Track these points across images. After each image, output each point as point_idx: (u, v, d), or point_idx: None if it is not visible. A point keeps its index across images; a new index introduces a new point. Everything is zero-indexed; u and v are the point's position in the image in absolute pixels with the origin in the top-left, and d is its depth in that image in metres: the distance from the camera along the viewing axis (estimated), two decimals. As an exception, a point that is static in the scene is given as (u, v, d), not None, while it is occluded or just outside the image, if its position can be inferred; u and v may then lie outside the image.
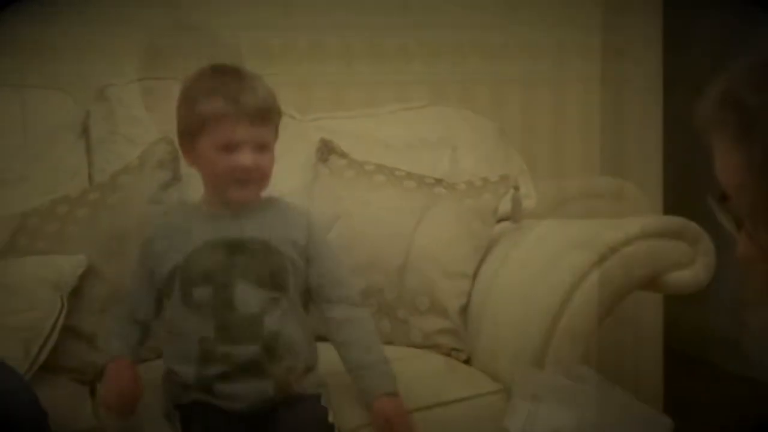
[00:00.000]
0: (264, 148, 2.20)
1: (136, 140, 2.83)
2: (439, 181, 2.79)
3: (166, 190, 2.64)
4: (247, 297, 2.19)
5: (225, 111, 2.16)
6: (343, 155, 2.89)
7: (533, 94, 3.37)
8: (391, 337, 2.61)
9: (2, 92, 2.88)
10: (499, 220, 2.82)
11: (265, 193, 2.27)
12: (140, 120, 2.89)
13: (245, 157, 2.16)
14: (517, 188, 2.80)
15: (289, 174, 2.89)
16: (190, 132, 2.20)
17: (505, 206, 2.80)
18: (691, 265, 2.51)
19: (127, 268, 2.38)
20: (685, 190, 4.38)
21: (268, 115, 2.21)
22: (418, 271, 2.65)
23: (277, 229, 2.25)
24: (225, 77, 2.21)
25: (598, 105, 3.40)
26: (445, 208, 2.73)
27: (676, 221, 2.51)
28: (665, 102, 3.45)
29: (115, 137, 2.89)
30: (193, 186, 2.41)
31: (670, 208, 3.28)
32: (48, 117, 2.87)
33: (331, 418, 2.21)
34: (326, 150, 2.89)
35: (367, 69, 3.25)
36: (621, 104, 3.41)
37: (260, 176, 2.21)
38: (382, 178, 2.80)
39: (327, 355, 2.30)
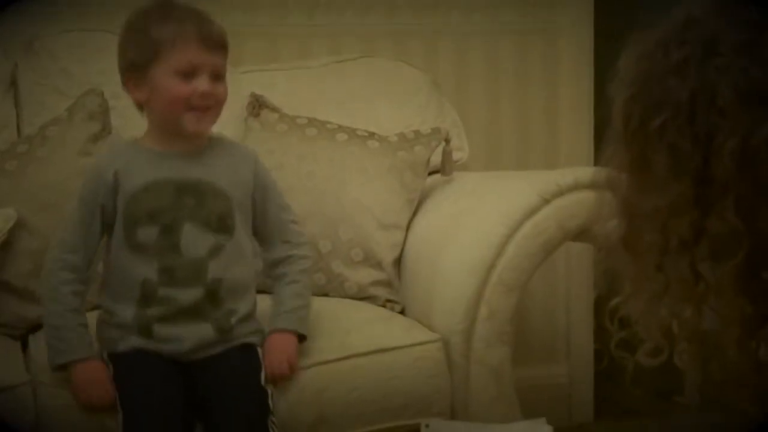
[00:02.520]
0: (219, 77, 2.20)
1: (65, 92, 2.79)
2: (371, 134, 2.79)
3: (95, 143, 2.61)
4: (194, 240, 2.18)
5: (184, 35, 2.15)
6: (274, 109, 2.87)
7: (466, 46, 3.36)
8: (327, 290, 2.62)
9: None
10: (432, 172, 2.83)
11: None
12: (69, 72, 2.85)
13: (204, 83, 2.16)
14: (448, 140, 2.80)
15: (220, 127, 2.87)
16: (142, 62, 2.18)
17: (437, 158, 2.81)
18: (623, 217, 2.53)
19: (58, 221, 2.35)
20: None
21: (223, 44, 2.21)
22: (352, 223, 2.66)
23: (225, 170, 2.26)
24: (176, 8, 2.20)
25: (531, 55, 3.41)
26: (377, 161, 2.73)
27: (606, 173, 2.52)
28: (597, 51, 3.46)
29: (44, 89, 2.85)
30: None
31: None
32: (-26, 70, 2.83)
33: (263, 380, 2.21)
34: (257, 104, 2.87)
35: (299, 20, 3.22)
36: (555, 54, 3.41)
37: (216, 105, 2.20)
38: (314, 132, 2.79)
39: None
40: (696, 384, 1.25)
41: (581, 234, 2.53)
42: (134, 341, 2.18)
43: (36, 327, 2.44)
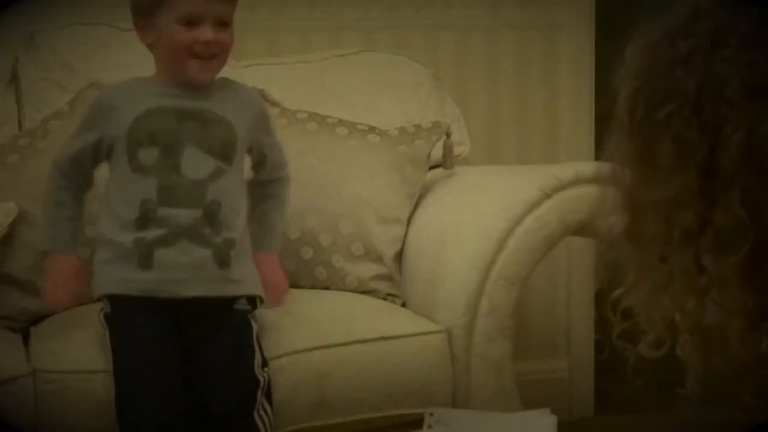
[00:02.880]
0: (224, 24, 2.22)
1: (66, 87, 2.80)
2: (372, 128, 2.79)
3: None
4: (195, 162, 2.21)
5: None
6: (275, 104, 2.87)
7: (467, 40, 3.36)
8: (328, 284, 2.63)
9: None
10: (433, 167, 2.83)
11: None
12: (71, 66, 2.85)
13: (207, 32, 2.18)
14: (449, 135, 2.80)
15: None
16: (147, 7, 2.20)
17: (438, 153, 2.81)
18: (624, 211, 2.53)
19: None
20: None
21: None
22: (352, 217, 2.66)
23: (230, 105, 2.29)
24: None
25: (532, 50, 3.41)
26: (378, 155, 2.73)
27: (609, 167, 2.52)
28: (598, 46, 3.46)
29: (45, 84, 2.85)
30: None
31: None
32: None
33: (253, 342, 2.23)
34: (258, 99, 2.88)
35: (300, 14, 3.23)
36: (556, 49, 3.41)
37: (220, 52, 2.22)
38: (314, 126, 2.79)
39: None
40: (698, 376, 1.24)
41: (582, 228, 2.54)
42: (135, 278, 2.19)
43: (37, 319, 2.45)
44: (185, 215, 2.19)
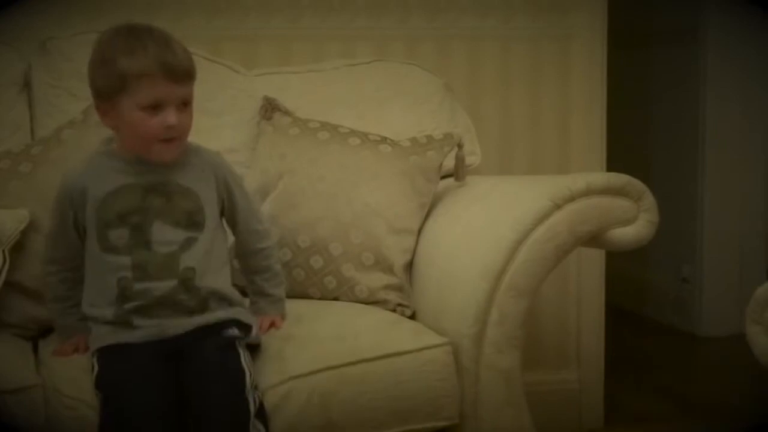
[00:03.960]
0: (186, 105, 2.22)
1: (78, 94, 2.79)
2: (384, 139, 2.79)
3: (109, 145, 2.61)
4: (164, 236, 2.23)
5: (149, 70, 2.15)
6: (286, 113, 2.88)
7: (479, 50, 3.36)
8: (337, 293, 2.63)
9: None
10: (444, 177, 2.83)
11: None
12: (82, 74, 2.84)
13: (171, 117, 2.18)
14: (461, 146, 2.80)
15: (234, 130, 2.89)
16: (109, 92, 2.19)
17: (449, 163, 2.81)
18: (634, 222, 2.53)
19: None
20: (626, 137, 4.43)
21: (190, 73, 2.22)
22: (363, 227, 2.66)
23: (192, 171, 2.29)
24: (141, 37, 2.19)
25: (544, 60, 3.41)
26: (389, 165, 2.73)
27: (620, 178, 2.52)
28: (610, 56, 3.46)
29: (58, 91, 2.86)
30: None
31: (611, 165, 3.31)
32: (-11, 70, 2.84)
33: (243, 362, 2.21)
34: (270, 108, 2.88)
35: (312, 24, 3.23)
36: (567, 59, 3.41)
37: (183, 134, 2.23)
38: (326, 136, 2.79)
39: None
40: None
41: (593, 239, 2.53)
42: (117, 336, 2.21)
43: (47, 329, 2.45)
44: (160, 287, 2.22)
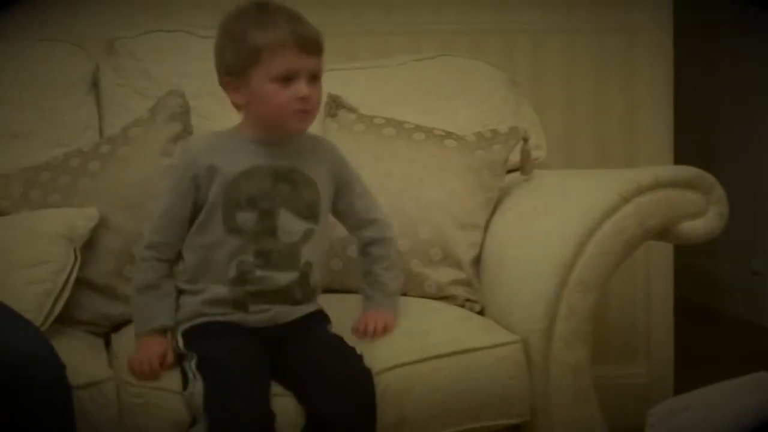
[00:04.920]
0: (316, 78, 2.23)
1: (145, 93, 2.83)
2: (449, 134, 2.79)
3: (176, 143, 2.64)
4: (289, 225, 2.24)
5: (282, 41, 2.17)
6: (351, 110, 2.88)
7: (544, 44, 3.35)
8: (406, 289, 2.62)
9: (13, 46, 2.87)
10: (510, 171, 2.82)
11: None
12: (150, 73, 2.89)
13: (303, 87, 2.19)
14: (526, 139, 2.79)
15: (299, 126, 2.89)
16: (241, 67, 2.20)
17: (515, 157, 2.80)
18: (704, 215, 2.51)
19: (140, 220, 2.44)
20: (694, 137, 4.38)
21: (319, 45, 2.24)
22: (430, 222, 2.66)
23: (312, 160, 2.31)
24: (270, 10, 2.22)
25: (610, 53, 3.39)
26: (455, 160, 2.73)
27: (689, 171, 2.51)
28: (677, 48, 3.44)
29: (125, 90, 2.89)
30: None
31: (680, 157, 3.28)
32: (59, 70, 2.86)
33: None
34: (334, 105, 2.89)
35: (377, 19, 3.24)
36: (633, 52, 3.39)
37: (314, 107, 2.24)
38: (391, 131, 2.80)
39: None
40: None
41: (662, 232, 2.52)
42: (225, 313, 2.22)
43: (119, 325, 2.48)
44: (283, 278, 2.24)
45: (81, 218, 2.48)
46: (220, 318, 2.22)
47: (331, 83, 2.94)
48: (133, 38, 2.93)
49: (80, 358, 2.23)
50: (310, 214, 2.27)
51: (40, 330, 2.17)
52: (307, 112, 2.22)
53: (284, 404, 2.16)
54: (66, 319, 2.42)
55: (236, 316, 2.22)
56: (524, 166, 2.81)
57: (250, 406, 2.08)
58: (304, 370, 2.18)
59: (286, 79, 2.17)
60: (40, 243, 2.41)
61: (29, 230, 2.45)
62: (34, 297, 2.32)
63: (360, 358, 2.22)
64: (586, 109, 3.40)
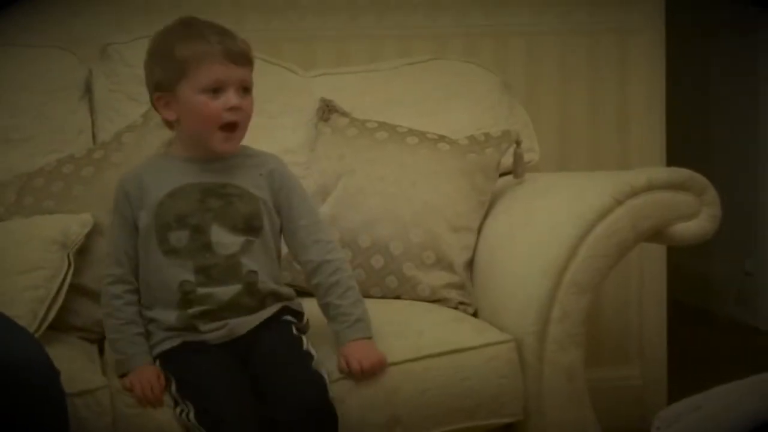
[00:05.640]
0: (247, 90, 2.23)
1: (138, 99, 2.82)
2: (441, 137, 2.79)
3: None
4: (224, 240, 2.23)
5: (208, 52, 2.19)
6: (344, 114, 2.88)
7: (537, 46, 3.35)
8: (399, 292, 2.63)
9: (6, 52, 2.87)
10: (503, 174, 2.82)
11: None
12: (142, 78, 2.87)
13: (232, 98, 2.19)
14: (519, 142, 2.79)
15: (292, 131, 2.90)
16: (170, 81, 2.22)
17: (508, 160, 2.80)
18: (697, 217, 2.51)
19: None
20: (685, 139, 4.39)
21: (248, 57, 2.25)
22: (423, 226, 2.66)
23: (250, 173, 2.29)
24: (196, 25, 2.24)
25: (603, 56, 3.39)
26: (448, 164, 2.73)
27: (682, 173, 2.51)
28: (669, 51, 3.44)
29: (118, 95, 2.89)
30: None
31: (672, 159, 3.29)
32: (52, 76, 2.86)
33: (305, 346, 2.25)
34: (327, 109, 2.89)
35: (370, 23, 3.24)
36: (626, 54, 3.39)
37: (244, 119, 2.23)
38: (384, 135, 2.80)
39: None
40: None
41: (655, 234, 2.52)
42: (178, 339, 2.23)
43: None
44: (225, 292, 2.22)
45: (75, 224, 2.47)
46: (179, 342, 2.22)
47: (324, 87, 2.96)
48: (126, 44, 2.92)
49: (75, 365, 2.23)
50: (247, 227, 2.25)
51: (34, 336, 2.17)
52: (234, 128, 2.22)
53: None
54: (60, 326, 2.42)
55: (192, 337, 2.22)
56: (517, 169, 2.81)
57: (241, 412, 2.09)
58: (262, 375, 2.18)
59: (215, 90, 2.18)
60: (33, 249, 2.41)
61: (23, 236, 2.45)
62: (27, 303, 2.32)
63: (309, 361, 2.20)
64: (580, 112, 3.40)
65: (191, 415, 2.11)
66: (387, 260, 2.64)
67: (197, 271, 2.22)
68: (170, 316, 2.23)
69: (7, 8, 2.88)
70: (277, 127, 2.88)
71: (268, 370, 2.18)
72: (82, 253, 2.48)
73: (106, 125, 2.85)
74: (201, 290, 2.21)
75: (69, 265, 2.42)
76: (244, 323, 2.23)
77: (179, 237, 2.22)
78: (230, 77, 2.19)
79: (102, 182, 2.57)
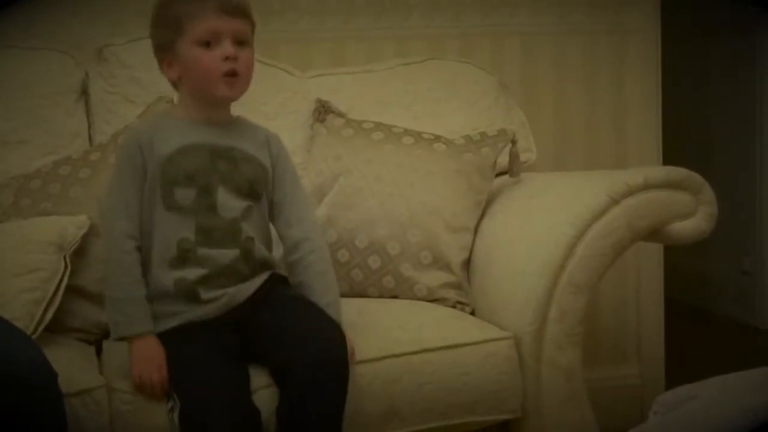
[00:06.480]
0: (244, 43, 2.25)
1: (135, 100, 2.84)
2: (437, 137, 2.80)
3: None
4: (229, 203, 2.24)
5: (201, 5, 2.21)
6: (340, 115, 2.89)
7: (534, 47, 3.35)
8: (396, 292, 2.63)
9: (2, 54, 2.87)
10: (500, 174, 2.82)
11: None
12: (139, 80, 2.88)
13: (228, 48, 2.21)
14: (515, 142, 2.80)
15: (289, 132, 2.89)
16: (169, 40, 2.24)
17: (504, 160, 2.81)
18: (693, 215, 2.52)
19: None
20: (683, 137, 4.39)
21: (243, 10, 2.26)
22: (420, 226, 2.66)
23: (253, 141, 2.32)
24: None
25: (599, 56, 3.39)
26: (444, 164, 2.74)
27: (678, 172, 2.51)
28: (665, 51, 3.44)
29: (115, 97, 2.89)
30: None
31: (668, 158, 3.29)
32: (48, 78, 2.86)
33: None
34: (323, 110, 2.89)
35: (366, 24, 3.24)
36: (622, 54, 3.40)
37: (245, 70, 2.24)
38: (380, 136, 2.80)
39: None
40: None
41: (651, 234, 2.52)
42: (182, 312, 2.21)
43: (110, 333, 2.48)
44: (225, 255, 2.22)
45: (71, 226, 2.47)
46: (177, 322, 2.20)
47: (320, 88, 2.96)
48: (122, 45, 2.92)
49: (72, 366, 2.23)
50: (250, 192, 2.27)
51: (31, 338, 2.17)
52: (235, 75, 2.23)
53: (268, 396, 2.16)
54: (57, 327, 2.42)
55: (191, 314, 2.20)
56: (513, 169, 2.81)
57: (233, 420, 2.07)
58: (272, 332, 2.19)
59: (210, 42, 2.20)
60: (30, 251, 2.41)
61: (20, 238, 2.44)
62: (24, 305, 2.32)
63: (323, 310, 2.22)
64: (576, 111, 3.40)
65: (175, 415, 2.11)
66: (384, 260, 2.64)
67: (198, 231, 2.22)
68: (168, 279, 2.21)
69: (3, 11, 2.87)
70: (274, 128, 2.86)
71: (284, 321, 2.19)
72: (79, 254, 2.48)
73: (103, 127, 2.85)
74: (200, 251, 2.21)
75: (66, 266, 2.42)
76: (242, 291, 2.23)
77: (186, 194, 2.22)
78: (224, 28, 2.21)
79: (99, 184, 2.57)
